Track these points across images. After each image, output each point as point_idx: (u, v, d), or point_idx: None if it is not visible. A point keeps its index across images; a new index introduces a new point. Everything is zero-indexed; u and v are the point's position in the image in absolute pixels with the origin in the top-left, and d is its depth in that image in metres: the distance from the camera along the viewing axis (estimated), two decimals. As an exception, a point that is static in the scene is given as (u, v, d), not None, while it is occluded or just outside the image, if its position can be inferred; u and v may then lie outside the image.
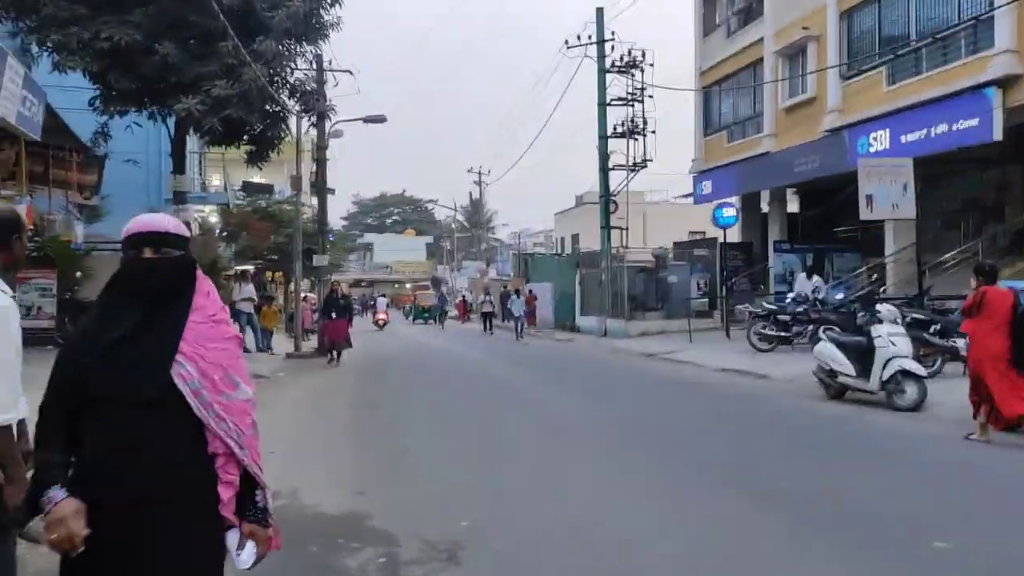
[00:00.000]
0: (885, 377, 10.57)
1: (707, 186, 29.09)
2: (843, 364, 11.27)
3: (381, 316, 41.26)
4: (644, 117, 28.74)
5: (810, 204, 27.32)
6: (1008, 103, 16.60)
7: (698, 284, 25.97)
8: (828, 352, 11.57)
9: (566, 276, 32.38)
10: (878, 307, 11.52)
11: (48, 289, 17.84)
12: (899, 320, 11.30)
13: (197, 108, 15.72)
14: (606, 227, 28.69)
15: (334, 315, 19.45)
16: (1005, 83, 16.59)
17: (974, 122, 17.03)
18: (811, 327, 17.53)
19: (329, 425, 10.46)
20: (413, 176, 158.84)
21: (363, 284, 77.88)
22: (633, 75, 28.88)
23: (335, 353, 19.08)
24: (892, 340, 10.66)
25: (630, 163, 29.09)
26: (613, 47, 28.66)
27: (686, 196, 50.19)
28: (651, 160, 28.78)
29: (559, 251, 52.04)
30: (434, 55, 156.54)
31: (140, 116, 18.07)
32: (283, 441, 9.04)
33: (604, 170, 29.02)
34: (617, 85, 29.32)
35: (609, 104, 29.06)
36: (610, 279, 27.42)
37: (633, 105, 29.15)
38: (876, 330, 10.87)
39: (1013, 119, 16.74)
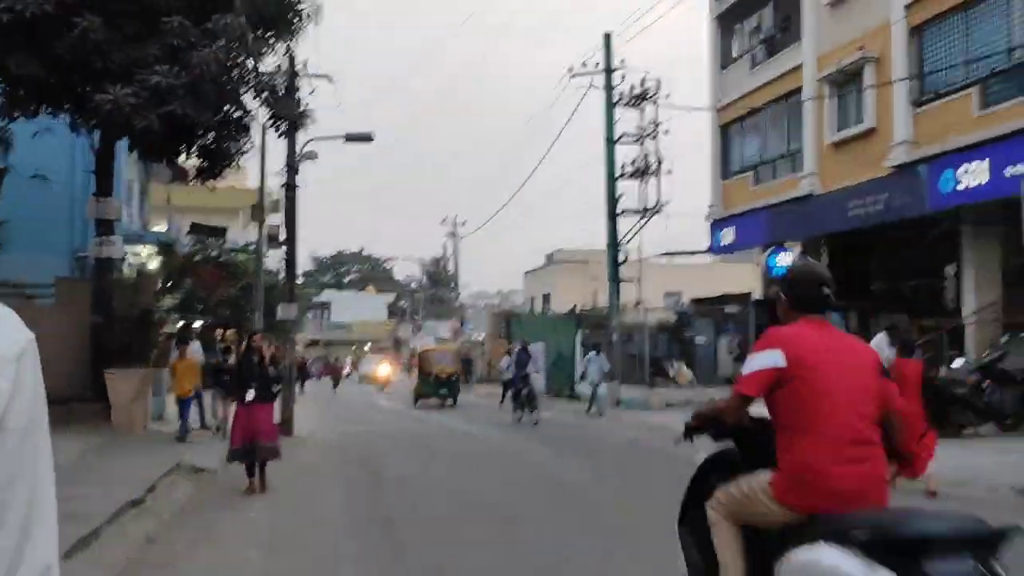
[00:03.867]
0: None
1: (728, 234, 25.55)
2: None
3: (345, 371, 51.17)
4: (658, 156, 25.20)
5: (840, 257, 23.74)
6: None
7: (732, 346, 22.11)
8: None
9: (563, 336, 28.34)
10: None
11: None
12: None
13: (129, 101, 11.56)
14: (614, 280, 24.93)
15: (250, 395, 9.84)
16: None
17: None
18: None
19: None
20: (372, 231, 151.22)
21: (320, 344, 72.62)
22: (644, 109, 25.52)
23: (256, 466, 9.85)
24: None
25: (641, 207, 25.45)
26: (624, 76, 25.35)
27: (676, 254, 46.94)
28: (667, 203, 25.15)
29: (531, 311, 48.14)
30: (407, 96, 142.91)
31: (54, 121, 13.88)
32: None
33: (612, 216, 25.40)
34: (627, 120, 25.88)
35: (617, 141, 25.65)
36: (622, 340, 23.56)
37: (643, 142, 25.70)
38: None
39: None
